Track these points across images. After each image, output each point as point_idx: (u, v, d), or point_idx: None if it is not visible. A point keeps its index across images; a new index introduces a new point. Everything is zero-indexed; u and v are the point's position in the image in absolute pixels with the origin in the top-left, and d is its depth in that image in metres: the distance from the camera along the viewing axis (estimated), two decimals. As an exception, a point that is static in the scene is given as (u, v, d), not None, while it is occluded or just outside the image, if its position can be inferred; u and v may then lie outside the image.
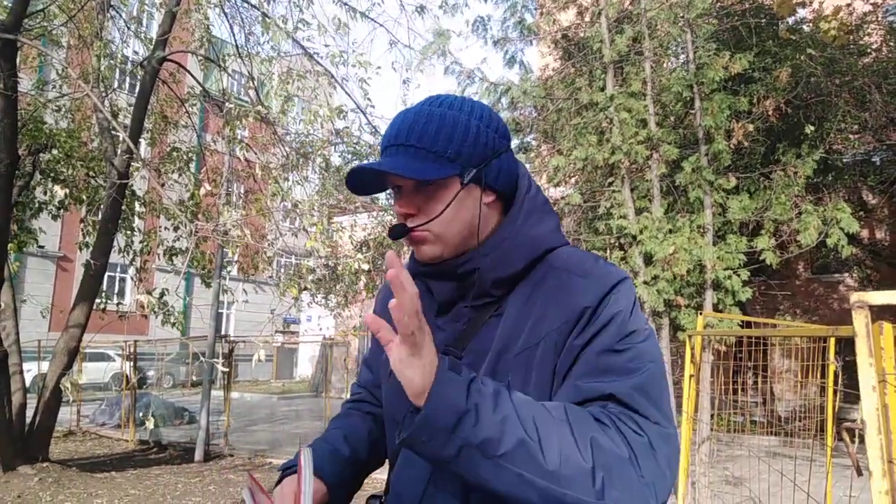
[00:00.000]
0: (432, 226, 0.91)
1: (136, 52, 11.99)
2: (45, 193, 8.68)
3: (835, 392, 4.12)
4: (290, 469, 1.00)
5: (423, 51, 8.24)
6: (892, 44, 9.48)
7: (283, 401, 16.91)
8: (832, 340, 4.08)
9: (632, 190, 7.52)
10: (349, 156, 9.33)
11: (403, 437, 0.74)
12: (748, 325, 6.38)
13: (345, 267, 6.81)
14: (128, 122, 7.64)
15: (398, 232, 0.93)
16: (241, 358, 11.97)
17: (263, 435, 10.51)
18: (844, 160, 10.14)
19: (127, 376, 10.19)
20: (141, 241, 9.24)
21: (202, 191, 7.26)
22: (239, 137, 7.22)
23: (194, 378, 15.78)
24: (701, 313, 5.20)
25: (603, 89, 7.70)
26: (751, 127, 7.01)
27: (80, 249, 8.43)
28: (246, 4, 7.58)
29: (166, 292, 7.08)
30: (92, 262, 6.85)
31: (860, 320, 1.56)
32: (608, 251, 7.49)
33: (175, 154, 9.13)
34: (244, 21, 7.54)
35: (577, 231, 8.28)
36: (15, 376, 6.57)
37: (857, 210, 8.61)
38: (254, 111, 6.45)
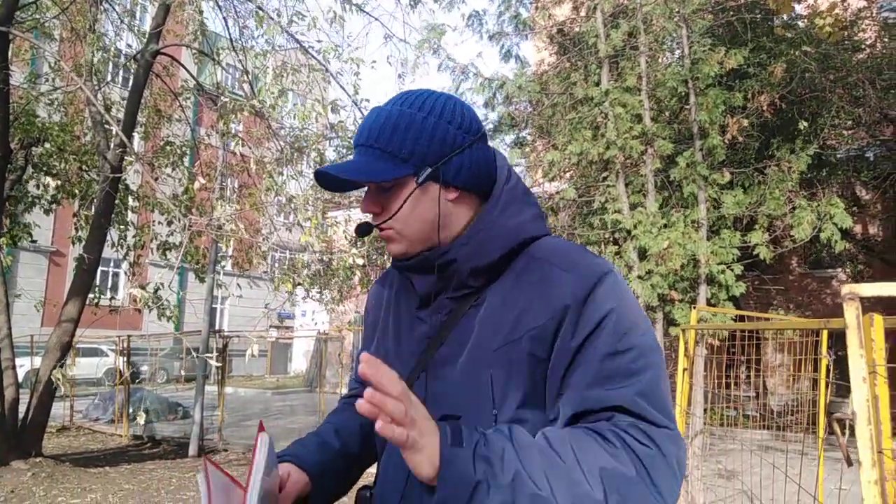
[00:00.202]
0: (392, 223, 0.94)
1: (129, 46, 11.92)
2: (37, 187, 8.64)
3: (827, 385, 4.15)
4: (282, 459, 1.00)
5: (419, 46, 8.23)
6: (886, 40, 9.53)
7: (278, 396, 16.90)
8: (825, 334, 4.11)
9: (626, 185, 7.54)
10: (343, 150, 9.31)
11: None
12: (741, 319, 6.41)
13: (339, 262, 6.81)
14: (121, 115, 7.60)
15: (363, 230, 1.00)
16: (235, 353, 11.94)
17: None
18: (838, 156, 10.19)
19: (120, 371, 10.16)
20: (134, 236, 9.19)
21: (196, 185, 7.24)
22: (233, 131, 7.19)
23: (186, 373, 15.76)
24: (695, 308, 5.23)
25: (598, 84, 7.71)
26: (745, 122, 7.03)
27: (73, 244, 8.39)
28: (240, -3, 7.53)
29: (161, 287, 7.06)
30: (85, 256, 6.81)
31: (851, 312, 1.57)
32: (603, 246, 7.51)
33: (169, 148, 9.08)
34: (238, 14, 7.50)
35: (571, 226, 8.29)
36: (7, 371, 6.53)
37: (850, 205, 8.65)
38: (248, 105, 6.41)
